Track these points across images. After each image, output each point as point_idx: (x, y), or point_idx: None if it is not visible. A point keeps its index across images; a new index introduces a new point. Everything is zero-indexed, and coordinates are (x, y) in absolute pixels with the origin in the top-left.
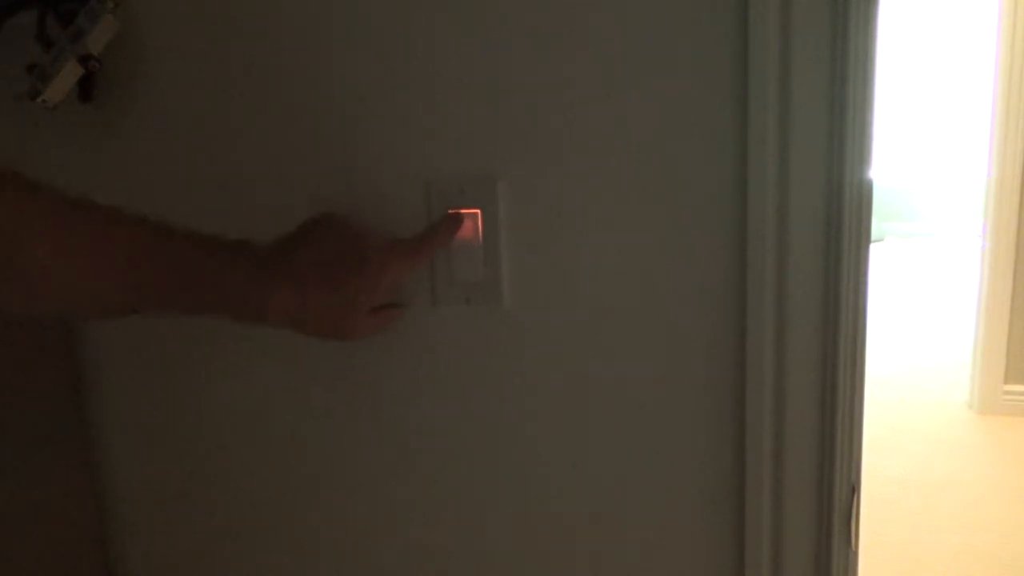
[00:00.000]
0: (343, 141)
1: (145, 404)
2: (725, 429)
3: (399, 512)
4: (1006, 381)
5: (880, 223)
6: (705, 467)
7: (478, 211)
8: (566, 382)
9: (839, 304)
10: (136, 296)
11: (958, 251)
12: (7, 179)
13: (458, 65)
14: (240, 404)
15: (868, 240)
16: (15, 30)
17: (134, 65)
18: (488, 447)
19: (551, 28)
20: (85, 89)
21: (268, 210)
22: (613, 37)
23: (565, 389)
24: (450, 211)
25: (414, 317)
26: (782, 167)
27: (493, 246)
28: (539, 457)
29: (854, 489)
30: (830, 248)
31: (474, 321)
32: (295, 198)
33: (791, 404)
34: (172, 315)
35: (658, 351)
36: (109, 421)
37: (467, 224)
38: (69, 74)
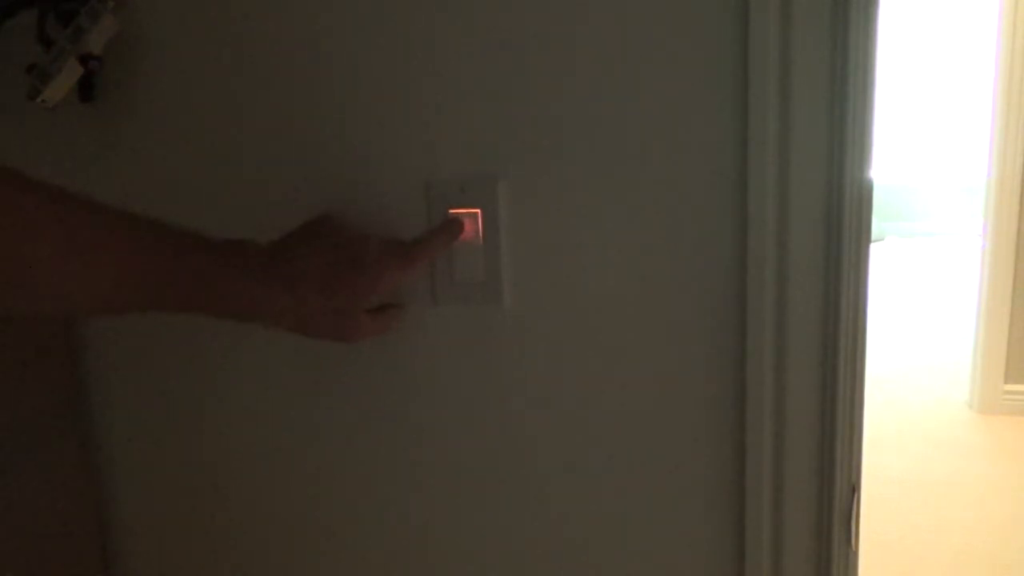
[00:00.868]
0: (343, 141)
1: (145, 404)
2: (725, 429)
3: (399, 511)
4: (1006, 381)
5: (880, 223)
6: (705, 467)
7: (478, 211)
8: (566, 382)
9: (839, 304)
10: (134, 294)
11: (958, 251)
12: (5, 177)
13: (458, 65)
14: (240, 404)
15: (868, 240)
16: (15, 30)
17: (134, 65)
18: (488, 446)
19: (551, 28)
20: (85, 89)
21: (268, 210)
22: (613, 37)
23: (565, 389)
24: (451, 212)
25: (414, 317)
26: (782, 167)
27: (493, 246)
28: (539, 457)
29: (854, 489)
30: (830, 248)
31: (474, 321)
32: (295, 198)
33: (791, 404)
34: (170, 313)
35: (658, 351)
36: (109, 421)
37: (467, 224)
38: (69, 74)
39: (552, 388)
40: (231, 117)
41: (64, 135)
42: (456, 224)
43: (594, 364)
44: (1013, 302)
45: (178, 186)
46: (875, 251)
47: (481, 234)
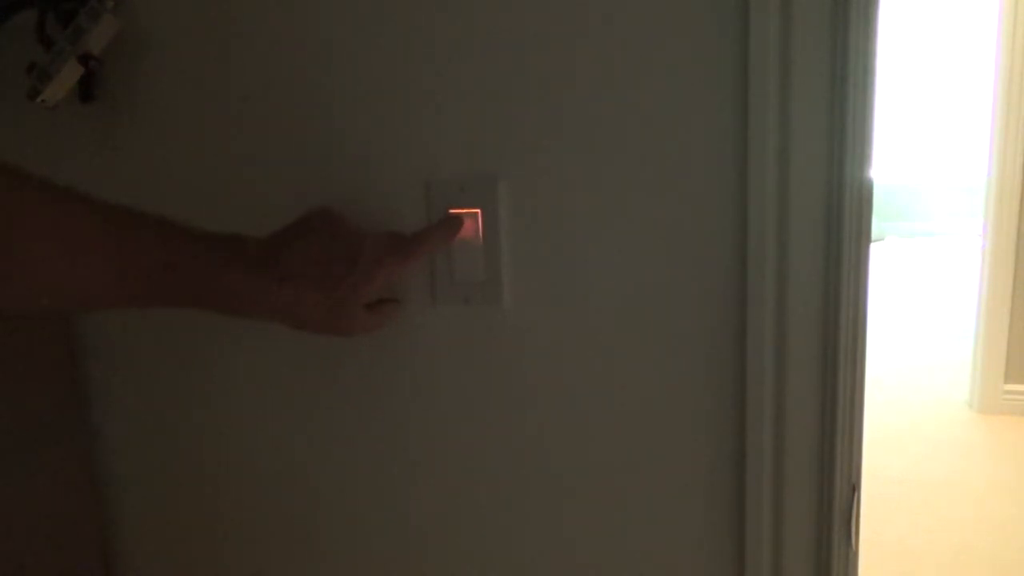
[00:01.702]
0: (343, 140)
1: (145, 404)
2: (725, 429)
3: (398, 510)
4: (1006, 380)
5: (880, 223)
6: (705, 467)
7: (478, 211)
8: (566, 382)
9: (839, 304)
10: (127, 289)
11: (958, 250)
12: None
13: (458, 65)
14: (240, 403)
15: (868, 240)
16: (15, 30)
17: (134, 65)
18: (487, 446)
19: (551, 28)
20: (85, 89)
21: (268, 210)
22: (613, 37)
23: (565, 389)
24: (451, 211)
25: (414, 317)
26: (782, 167)
27: (493, 246)
28: (538, 457)
29: (854, 489)
30: (830, 248)
31: (474, 321)
32: (295, 198)
33: (791, 404)
34: (166, 307)
35: (658, 351)
36: (109, 421)
37: (467, 224)
38: (69, 74)
39: (552, 388)
40: (231, 117)
41: (64, 135)
42: (455, 221)
43: (593, 364)
44: (1013, 302)
45: (178, 186)
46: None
47: (481, 234)
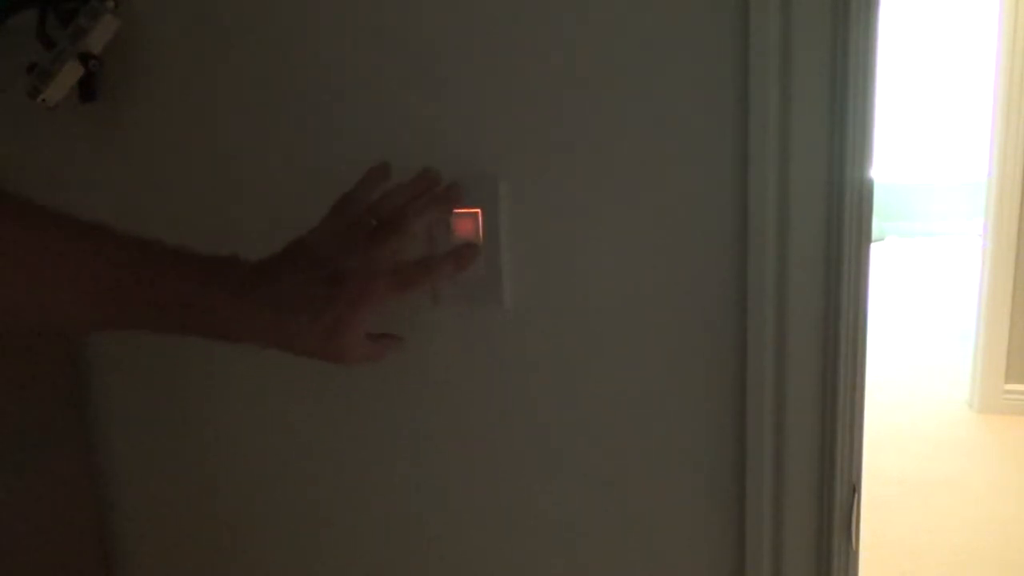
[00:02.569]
0: (343, 140)
1: (145, 404)
2: (725, 429)
3: (398, 511)
4: (1007, 380)
5: (881, 222)
6: (706, 467)
7: (478, 211)
8: (566, 382)
9: (839, 304)
10: (105, 312)
11: (959, 250)
12: None
13: (459, 65)
14: (240, 404)
15: (869, 239)
16: (15, 30)
17: (134, 64)
18: (487, 446)
19: (552, 28)
20: (85, 89)
21: (268, 210)
22: (614, 37)
23: (565, 389)
24: (454, 211)
25: (414, 317)
26: (782, 167)
27: (493, 246)
28: (538, 457)
29: (854, 489)
30: (830, 248)
31: (474, 321)
32: (295, 198)
33: (791, 404)
34: (152, 332)
35: (659, 351)
36: (109, 421)
37: (467, 224)
38: (69, 73)
39: (552, 388)
40: (231, 117)
41: (64, 135)
42: (469, 254)
43: (594, 364)
44: (1013, 302)
45: (178, 186)
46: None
47: (481, 234)
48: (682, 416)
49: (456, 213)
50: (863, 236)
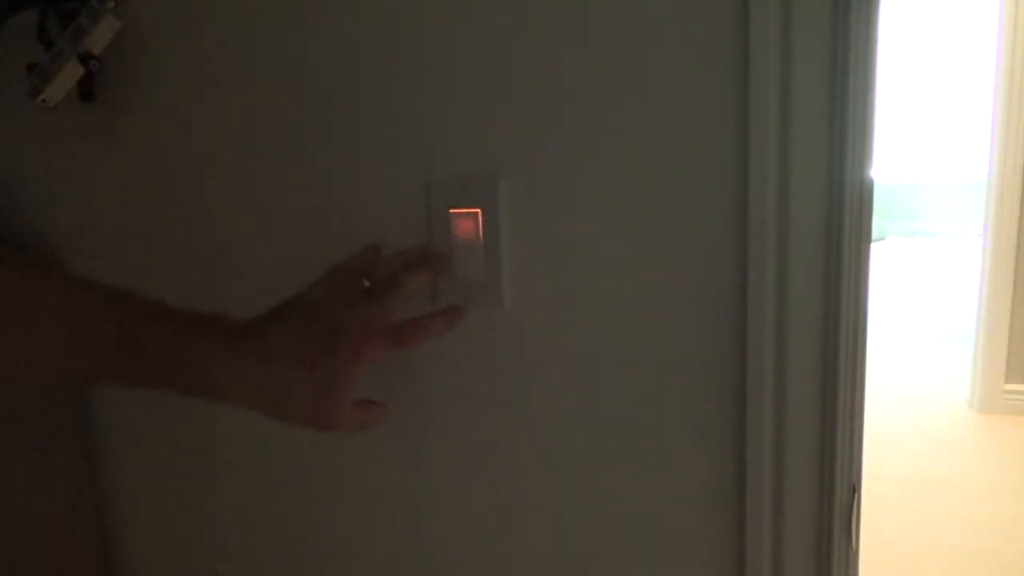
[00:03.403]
0: (344, 140)
1: (145, 404)
2: (725, 429)
3: (398, 511)
4: (1007, 380)
5: (881, 222)
6: (705, 467)
7: (478, 211)
8: (566, 382)
9: (839, 304)
10: (78, 366)
11: (959, 250)
12: None
13: (459, 65)
14: None
15: (869, 239)
16: (15, 30)
17: (134, 65)
18: (487, 446)
19: (552, 28)
20: (85, 89)
21: (267, 209)
22: (614, 37)
23: (565, 389)
24: (451, 211)
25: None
26: (782, 167)
27: (493, 246)
28: (539, 457)
29: (854, 489)
30: (831, 247)
31: (474, 321)
32: (295, 197)
33: (791, 404)
34: (134, 386)
35: (659, 351)
36: (109, 421)
37: (467, 224)
38: (69, 74)
39: (552, 388)
40: (231, 116)
41: (64, 135)
42: (458, 313)
43: (594, 364)
44: (1013, 302)
45: (178, 185)
46: (876, 251)
47: (481, 234)
48: (682, 416)
49: (456, 213)
50: (863, 236)
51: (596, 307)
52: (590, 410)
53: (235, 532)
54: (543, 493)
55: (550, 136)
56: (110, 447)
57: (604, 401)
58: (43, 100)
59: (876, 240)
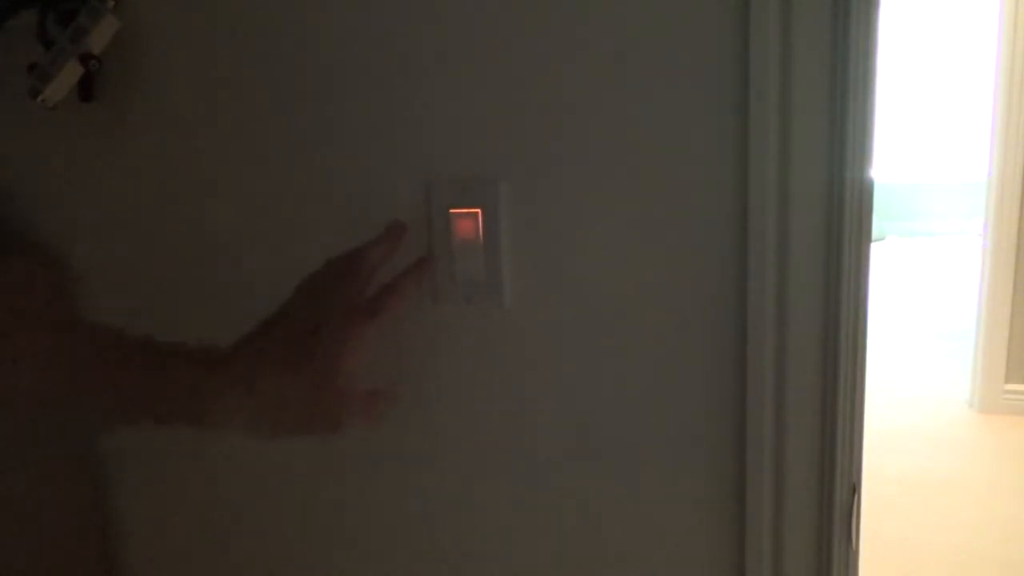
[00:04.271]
0: (344, 140)
1: None
2: (725, 429)
3: (397, 511)
4: (1007, 380)
5: (881, 222)
6: (706, 467)
7: (478, 211)
8: (567, 382)
9: (839, 304)
10: (67, 402)
11: (959, 250)
12: None
13: (459, 65)
14: None
15: (869, 239)
16: (15, 30)
17: (134, 64)
18: (487, 446)
19: (552, 28)
20: (85, 89)
21: (267, 209)
22: (614, 37)
23: (566, 389)
24: (451, 211)
25: (414, 316)
26: (782, 167)
27: (493, 246)
28: (538, 457)
29: (854, 488)
30: (831, 247)
31: (474, 321)
32: (295, 196)
33: (791, 404)
34: (121, 421)
35: (658, 351)
36: None
37: (467, 224)
38: (69, 73)
39: (552, 388)
40: (231, 116)
41: (64, 135)
42: (426, 265)
43: (594, 364)
44: (1013, 302)
45: (178, 185)
46: (876, 251)
47: (481, 234)
48: (682, 416)
49: (456, 213)
50: (863, 236)
51: (596, 306)
52: (590, 410)
53: (234, 532)
54: (543, 493)
55: (550, 136)
56: (110, 447)
57: (604, 401)
58: (43, 100)
59: (876, 240)
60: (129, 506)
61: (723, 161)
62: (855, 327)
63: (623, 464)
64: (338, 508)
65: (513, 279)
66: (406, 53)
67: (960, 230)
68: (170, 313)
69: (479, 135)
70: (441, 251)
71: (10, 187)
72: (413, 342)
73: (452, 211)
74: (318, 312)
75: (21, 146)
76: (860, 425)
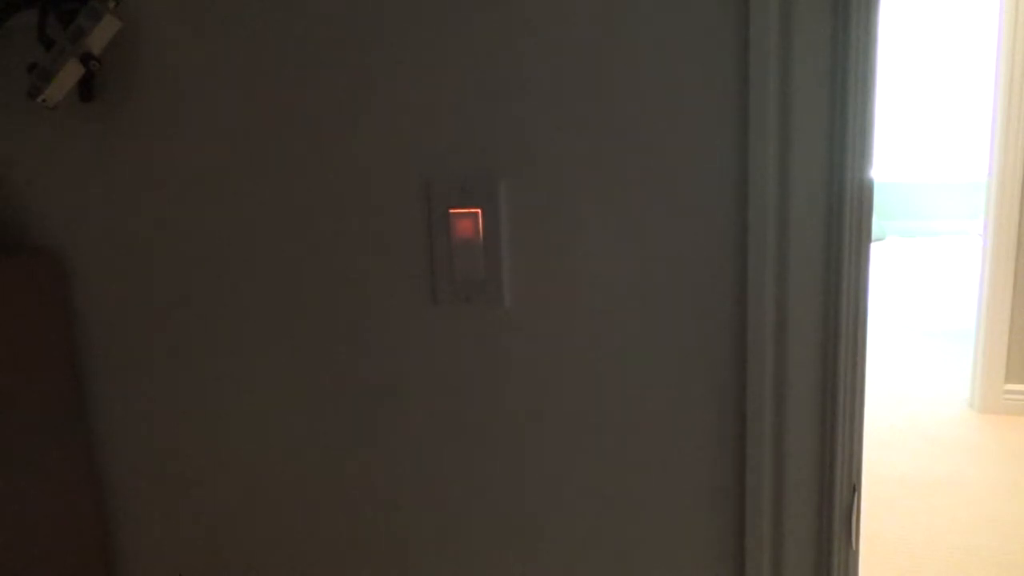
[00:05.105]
0: (344, 140)
1: (145, 403)
2: (726, 429)
3: (398, 509)
4: (1007, 380)
5: (881, 222)
6: (706, 467)
7: (478, 211)
8: (566, 381)
9: (839, 303)
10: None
11: (959, 250)
12: None
13: (460, 65)
14: (240, 402)
15: (869, 239)
16: (15, 30)
17: (134, 65)
18: (487, 446)
19: (552, 28)
20: (86, 89)
21: (267, 208)
22: (614, 38)
23: (564, 389)
24: (451, 212)
25: (414, 316)
26: (782, 167)
27: (493, 246)
28: (538, 456)
29: (854, 488)
30: (831, 247)
31: (474, 320)
32: (295, 196)
33: (791, 404)
34: None
35: (658, 350)
36: (109, 420)
37: (467, 224)
38: (70, 74)
39: (551, 388)
40: (231, 116)
41: (64, 135)
42: None
43: (594, 364)
44: (1013, 302)
45: (178, 185)
46: (876, 251)
47: (481, 234)
48: (682, 415)
49: (456, 213)
50: (863, 236)
51: (595, 306)
52: (590, 409)
53: (236, 531)
54: (543, 492)
55: (550, 137)
56: (110, 448)
57: (604, 400)
58: (43, 100)
59: (876, 240)
60: (129, 506)
61: (723, 161)
62: (855, 327)
63: (623, 463)
64: (338, 509)
65: (512, 279)
66: (407, 53)
67: (960, 230)
68: (170, 313)
69: (478, 135)
70: (441, 251)
71: (10, 187)
72: (413, 341)
73: (452, 211)
74: None
75: (21, 146)
76: (860, 425)
